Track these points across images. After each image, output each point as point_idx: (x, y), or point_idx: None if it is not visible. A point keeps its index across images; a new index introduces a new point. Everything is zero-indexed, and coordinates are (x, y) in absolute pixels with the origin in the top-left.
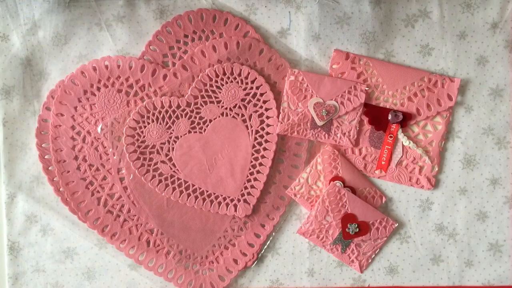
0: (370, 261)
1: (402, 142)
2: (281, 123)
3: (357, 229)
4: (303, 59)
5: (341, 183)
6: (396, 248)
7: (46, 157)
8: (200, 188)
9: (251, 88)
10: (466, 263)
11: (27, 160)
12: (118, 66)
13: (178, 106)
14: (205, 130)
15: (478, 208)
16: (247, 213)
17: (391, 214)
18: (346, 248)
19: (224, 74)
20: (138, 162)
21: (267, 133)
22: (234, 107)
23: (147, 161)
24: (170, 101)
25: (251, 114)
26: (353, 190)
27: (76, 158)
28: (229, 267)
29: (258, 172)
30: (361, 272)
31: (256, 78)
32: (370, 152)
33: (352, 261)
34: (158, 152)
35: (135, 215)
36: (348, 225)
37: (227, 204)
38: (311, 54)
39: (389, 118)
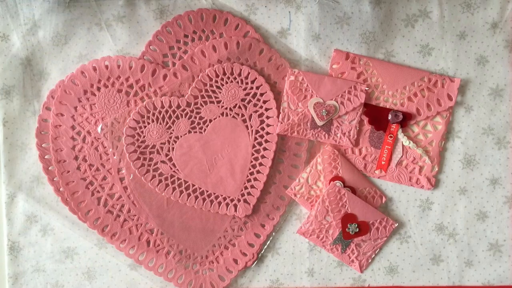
0: (370, 261)
1: (402, 142)
2: (281, 123)
3: (357, 229)
4: (303, 59)
5: (341, 183)
6: (396, 248)
7: (46, 157)
8: (200, 188)
9: (251, 88)
10: (466, 263)
11: (27, 160)
12: (118, 66)
13: (178, 106)
14: (205, 130)
15: (478, 208)
16: (247, 213)
17: (391, 214)
18: (346, 248)
19: (224, 74)
20: (138, 162)
21: (267, 133)
22: (234, 107)
23: (147, 161)
24: (170, 101)
25: (251, 114)
26: (353, 190)
27: (76, 158)
28: (229, 267)
29: (258, 172)
30: (361, 272)
31: (256, 78)
32: (370, 152)
33: (352, 261)
34: (158, 152)
35: (135, 215)
36: (348, 225)
37: (227, 204)
38: (311, 54)
39: (389, 118)
